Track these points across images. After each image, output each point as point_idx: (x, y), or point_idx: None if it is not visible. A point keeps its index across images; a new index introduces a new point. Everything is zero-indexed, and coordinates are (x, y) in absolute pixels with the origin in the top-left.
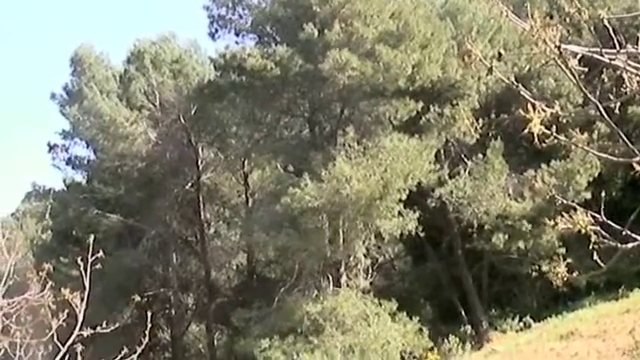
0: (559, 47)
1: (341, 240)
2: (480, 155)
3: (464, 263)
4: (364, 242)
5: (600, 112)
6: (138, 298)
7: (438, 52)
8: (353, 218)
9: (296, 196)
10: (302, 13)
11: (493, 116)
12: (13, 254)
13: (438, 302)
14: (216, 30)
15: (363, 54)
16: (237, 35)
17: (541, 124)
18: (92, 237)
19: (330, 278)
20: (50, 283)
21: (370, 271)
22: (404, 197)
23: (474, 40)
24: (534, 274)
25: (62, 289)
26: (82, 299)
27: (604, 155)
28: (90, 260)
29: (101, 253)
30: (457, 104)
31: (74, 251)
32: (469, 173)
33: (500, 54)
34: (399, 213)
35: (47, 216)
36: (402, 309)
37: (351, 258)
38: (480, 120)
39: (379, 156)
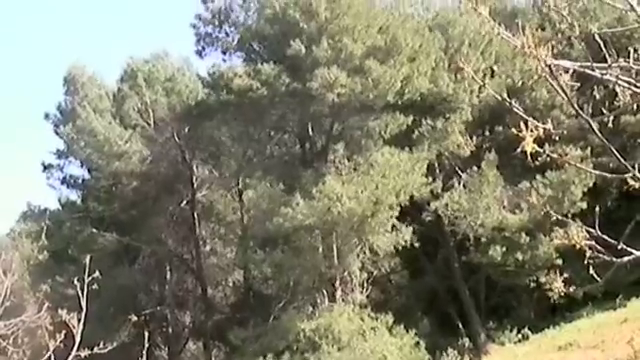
0: (550, 66)
1: (335, 256)
2: (474, 167)
3: (461, 276)
4: (359, 256)
5: (592, 128)
6: (135, 318)
7: (427, 64)
8: (346, 234)
9: (288, 216)
10: (288, 30)
11: (487, 128)
12: (9, 275)
13: (435, 315)
14: (203, 48)
15: (352, 70)
16: (224, 53)
17: (534, 142)
18: (88, 257)
19: (325, 293)
20: (47, 304)
21: (366, 285)
22: (397, 213)
23: (466, 54)
24: (532, 285)
25: (59, 310)
26: (79, 320)
27: (597, 172)
28: (86, 280)
29: (97, 273)
30: (449, 117)
31: (70, 270)
32: (464, 186)
33: (493, 70)
34: (393, 227)
35: (43, 236)
36: (399, 323)
37: (346, 273)
38: (474, 132)
39: (370, 172)
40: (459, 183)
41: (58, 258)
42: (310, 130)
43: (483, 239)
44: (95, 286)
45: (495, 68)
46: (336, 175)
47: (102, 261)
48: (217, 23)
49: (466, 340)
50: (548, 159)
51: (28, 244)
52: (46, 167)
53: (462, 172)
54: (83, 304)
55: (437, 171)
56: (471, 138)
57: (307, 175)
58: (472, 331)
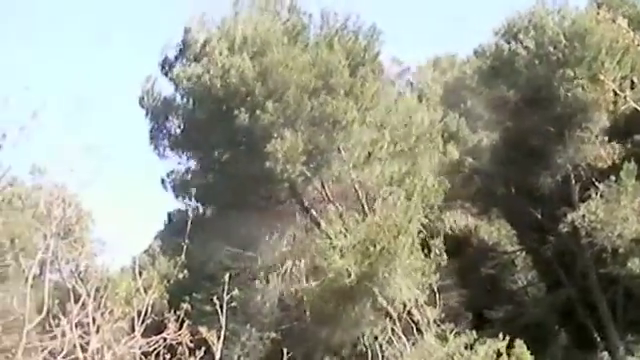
0: None
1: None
2: (612, 178)
3: (598, 288)
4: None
5: None
6: (273, 334)
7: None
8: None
9: (305, 301)
10: (215, 110)
11: (625, 136)
12: (150, 293)
13: (572, 328)
14: (163, 149)
15: (305, 125)
16: (173, 148)
17: None
18: (227, 275)
19: (404, 337)
20: (187, 322)
21: (439, 302)
22: (406, 255)
23: (602, 63)
24: None
25: (199, 328)
26: (218, 337)
27: None
28: (225, 297)
29: (236, 290)
30: (587, 127)
31: (206, 287)
32: (601, 196)
33: (632, 82)
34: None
35: (183, 255)
36: (534, 336)
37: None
38: (611, 141)
39: (364, 231)
40: (596, 194)
41: (196, 275)
42: (295, 202)
43: (621, 250)
44: (234, 303)
45: (636, 82)
46: (334, 242)
47: (239, 278)
48: (161, 117)
49: (604, 354)
50: None
51: (165, 261)
52: None
53: (599, 183)
54: (222, 321)
55: (573, 182)
56: (608, 147)
57: (310, 247)
58: (610, 345)
